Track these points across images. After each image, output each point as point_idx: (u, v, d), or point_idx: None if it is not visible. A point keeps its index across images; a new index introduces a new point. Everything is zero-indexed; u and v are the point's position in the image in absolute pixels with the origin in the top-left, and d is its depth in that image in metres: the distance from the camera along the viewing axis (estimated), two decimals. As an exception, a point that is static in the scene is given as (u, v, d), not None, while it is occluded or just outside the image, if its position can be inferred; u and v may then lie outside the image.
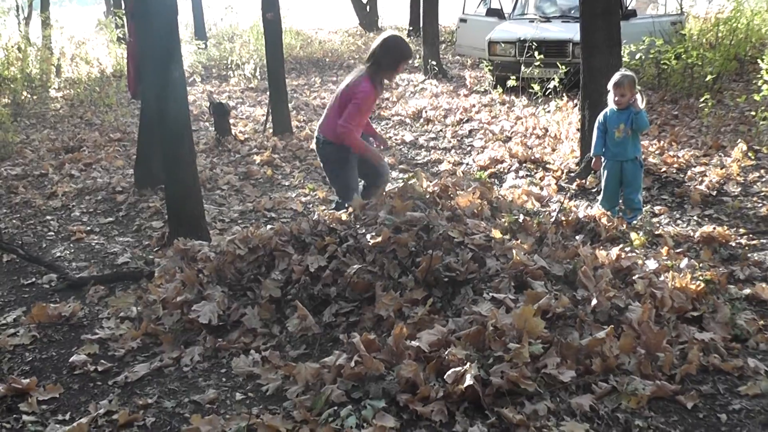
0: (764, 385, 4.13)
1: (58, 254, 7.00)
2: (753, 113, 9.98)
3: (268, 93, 12.85)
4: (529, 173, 9.23)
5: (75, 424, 3.87)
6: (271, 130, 12.32)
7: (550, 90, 12.23)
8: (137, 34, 8.14)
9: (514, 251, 4.88)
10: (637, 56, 13.06)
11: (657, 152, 9.30)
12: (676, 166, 8.76)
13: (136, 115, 11.28)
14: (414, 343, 4.13)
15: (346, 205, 6.12)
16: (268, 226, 5.79)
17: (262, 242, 5.33)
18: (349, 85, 6.49)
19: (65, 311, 5.40)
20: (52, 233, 7.68)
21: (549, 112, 11.84)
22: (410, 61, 7.08)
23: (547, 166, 9.39)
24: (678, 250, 6.21)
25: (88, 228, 7.82)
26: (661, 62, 13.09)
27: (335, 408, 3.82)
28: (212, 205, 8.44)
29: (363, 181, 6.88)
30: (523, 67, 13.32)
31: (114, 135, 12.76)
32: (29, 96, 16.31)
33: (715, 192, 7.90)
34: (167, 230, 6.98)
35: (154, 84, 6.73)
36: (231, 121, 12.37)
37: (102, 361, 4.67)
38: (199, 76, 18.55)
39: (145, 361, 4.66)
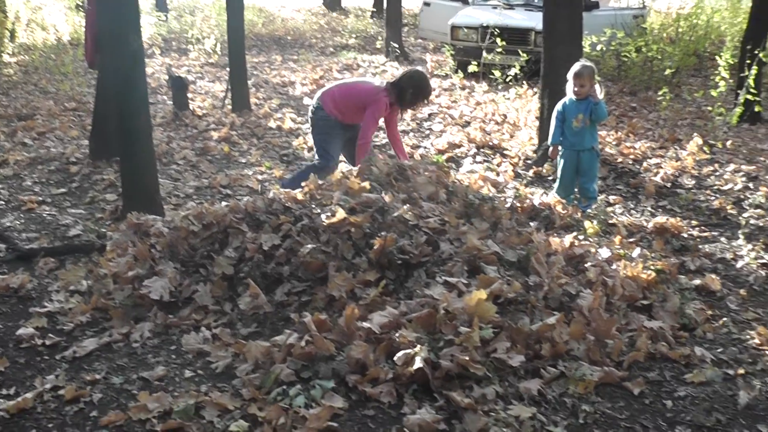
0: (710, 373, 4.21)
1: (8, 224, 6.85)
2: (709, 108, 10.13)
3: (227, 69, 12.71)
4: (486, 159, 9.26)
5: (20, 398, 3.80)
6: (229, 107, 12.21)
7: (510, 77, 12.27)
8: (96, 2, 7.99)
9: (468, 236, 4.90)
10: (598, 47, 13.17)
11: (614, 143, 9.40)
12: (632, 157, 8.86)
13: (93, 85, 11.09)
14: (365, 325, 4.14)
15: (317, 167, 6.71)
16: (223, 203, 5.74)
17: (217, 219, 5.29)
18: (369, 86, 6.99)
19: (13, 283, 5.30)
20: (2, 202, 7.52)
21: (509, 99, 11.90)
22: (427, 100, 7.52)
23: (505, 152, 9.43)
24: (631, 240, 6.28)
25: (40, 198, 7.68)
26: (622, 54, 13.22)
27: (284, 387, 3.81)
28: (167, 180, 8.34)
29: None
30: (484, 53, 13.34)
31: (69, 104, 12.56)
32: (-20, 60, 15.96)
33: (669, 184, 8.00)
34: (121, 203, 6.89)
35: (111, 54, 6.62)
36: (189, 95, 12.23)
37: (50, 335, 4.60)
38: (159, 48, 18.32)
39: (94, 336, 4.59)
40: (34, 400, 3.82)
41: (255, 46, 19.82)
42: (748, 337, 4.78)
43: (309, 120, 7.42)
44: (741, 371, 4.29)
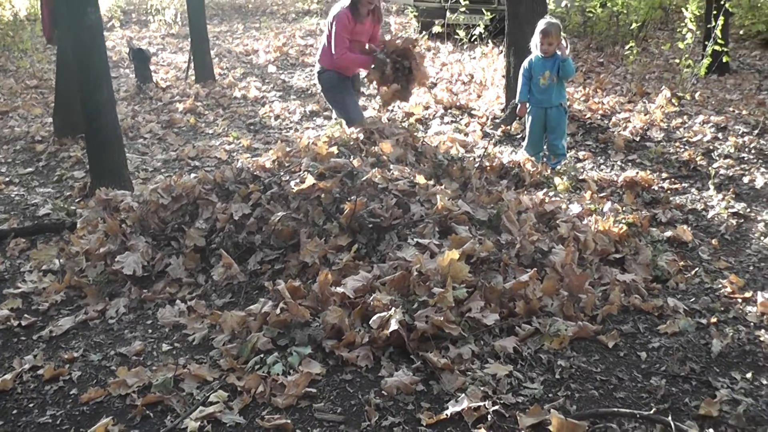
0: (683, 324, 4.26)
1: (-24, 206, 6.80)
2: (677, 61, 10.13)
3: (189, 39, 12.57)
4: (454, 119, 9.23)
5: (-1, 380, 3.80)
6: (193, 78, 12.10)
7: (475, 36, 12.21)
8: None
9: (438, 197, 4.90)
10: (563, 4, 13.10)
11: (582, 99, 9.40)
12: (600, 112, 8.87)
13: (53, 61, 10.93)
14: (339, 290, 4.14)
15: (350, 126, 6.68)
16: (192, 175, 5.70)
17: (186, 191, 5.26)
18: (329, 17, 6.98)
19: (-16, 265, 5.26)
20: (-31, 185, 7.45)
21: (474, 58, 11.85)
22: None
23: (473, 112, 9.40)
24: (601, 195, 6.31)
25: (7, 179, 7.59)
26: (587, 10, 13.16)
27: (261, 355, 3.82)
28: (135, 154, 8.27)
29: None
30: (448, 14, 13.25)
31: (30, 82, 12.38)
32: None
33: (638, 138, 8.02)
34: (89, 180, 6.83)
35: (69, 28, 6.51)
36: (152, 68, 12.09)
37: (25, 315, 4.57)
38: (118, 21, 18.07)
39: (69, 315, 4.58)
40: (13, 381, 3.80)
41: (216, 15, 19.57)
42: (720, 286, 4.83)
43: (318, 86, 7.55)
44: (714, 320, 4.34)
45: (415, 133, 6.15)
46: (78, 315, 4.53)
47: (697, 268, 5.05)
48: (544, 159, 7.06)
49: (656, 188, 6.64)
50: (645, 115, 8.56)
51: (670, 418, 3.19)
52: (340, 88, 7.17)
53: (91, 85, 6.30)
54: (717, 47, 9.81)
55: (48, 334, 4.32)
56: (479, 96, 10.05)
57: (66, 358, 4.02)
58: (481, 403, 3.40)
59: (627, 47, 11.04)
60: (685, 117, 8.56)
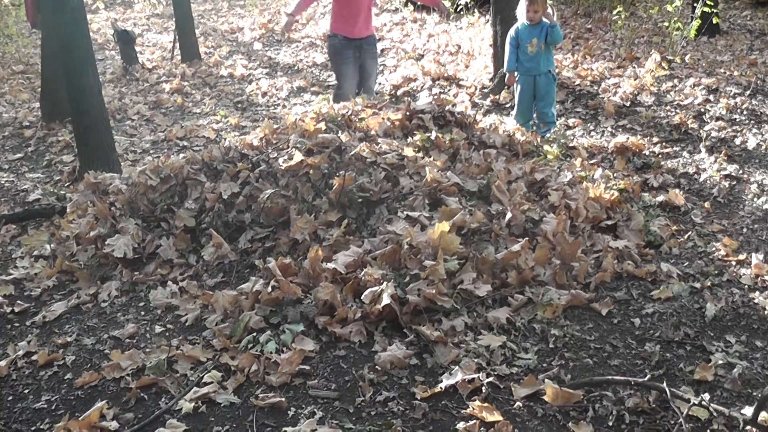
0: (676, 288, 4.26)
1: (-35, 194, 6.76)
2: (666, 24, 10.07)
3: (174, 19, 12.49)
4: (442, 90, 9.19)
5: (-6, 367, 3.79)
6: (179, 57, 12.04)
7: (461, 6, 12.13)
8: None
9: (427, 169, 4.87)
10: (550, -31, 12.99)
11: (571, 66, 9.35)
12: (590, 78, 8.82)
13: (39, 45, 10.86)
14: (330, 266, 4.12)
15: (338, 93, 7.20)
16: (180, 155, 5.67)
17: (174, 171, 5.22)
18: None
19: (-25, 252, 5.24)
20: (-43, 172, 7.41)
21: (461, 28, 11.79)
22: None
23: (461, 82, 9.36)
24: (592, 161, 6.29)
25: (-4, 165, 7.57)
26: (574, -25, 13.08)
27: (254, 334, 3.80)
28: (123, 137, 8.23)
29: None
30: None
31: (17, 67, 12.29)
32: None
33: (629, 103, 7.99)
34: (78, 164, 6.79)
35: (51, 11, 6.44)
36: (137, 49, 12.05)
37: (18, 301, 4.56)
38: (102, 2, 17.88)
39: (62, 299, 4.56)
40: (8, 368, 3.79)
41: (200, -7, 19.45)
42: (713, 249, 4.83)
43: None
44: (707, 284, 4.35)
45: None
46: (70, 299, 4.51)
47: (690, 232, 5.05)
48: (534, 127, 7.02)
49: (647, 153, 6.62)
50: (635, 79, 8.52)
51: (665, 384, 3.19)
52: (342, 56, 7.34)
53: (75, 68, 6.24)
54: (706, 8, 9.75)
55: (41, 320, 4.31)
56: (467, 66, 10.00)
57: (60, 343, 4.01)
58: (476, 375, 3.40)
59: (615, 12, 10.96)
60: (675, 80, 8.52)
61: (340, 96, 7.04)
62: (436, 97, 6.19)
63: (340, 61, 7.38)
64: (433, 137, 5.48)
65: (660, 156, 6.54)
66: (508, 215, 4.63)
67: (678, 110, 7.65)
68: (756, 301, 4.15)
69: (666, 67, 8.86)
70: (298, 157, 4.97)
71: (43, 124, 8.67)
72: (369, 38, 7.43)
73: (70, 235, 5.12)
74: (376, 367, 3.55)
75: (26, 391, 3.62)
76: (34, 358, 3.87)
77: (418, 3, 7.37)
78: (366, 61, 7.42)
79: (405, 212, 4.58)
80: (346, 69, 7.37)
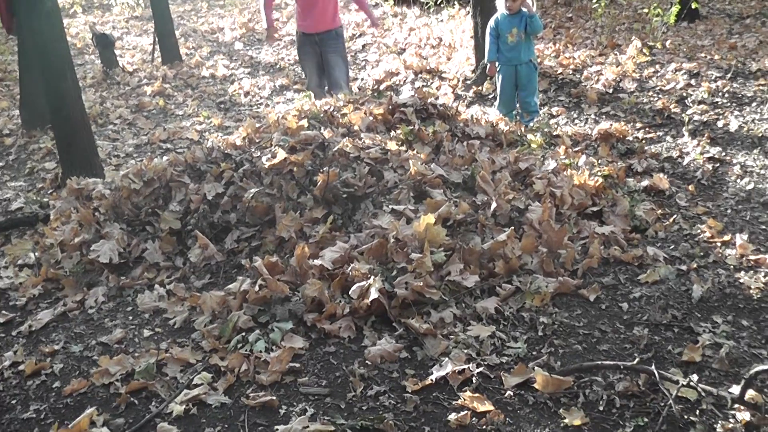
0: (663, 271, 4.27)
1: (-53, 204, 6.71)
2: (646, 10, 10.10)
3: (153, 21, 12.44)
4: (425, 83, 9.18)
5: (-20, 378, 3.75)
6: (159, 60, 12.01)
7: (441, -1, 12.15)
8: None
9: (411, 162, 4.86)
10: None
11: (553, 55, 9.36)
12: (572, 67, 8.84)
13: (15, 52, 10.80)
14: (317, 262, 4.11)
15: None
16: (164, 158, 5.64)
17: (157, 174, 5.19)
18: None
19: (-41, 263, 5.19)
20: (-60, 183, 7.35)
21: (442, 21, 11.79)
22: None
23: (443, 75, 9.37)
24: (576, 149, 6.31)
25: (-23, 175, 7.51)
26: (552, -36, 13.08)
27: (243, 334, 3.79)
28: (105, 141, 8.19)
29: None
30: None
31: (-6, 75, 12.24)
32: None
33: (611, 90, 8.01)
34: (60, 171, 6.75)
35: (26, 16, 6.36)
36: (117, 52, 11.99)
37: (3, 311, 4.51)
38: (80, 6, 17.83)
39: (48, 308, 4.51)
40: (-5, 379, 3.76)
41: (179, -6, 19.40)
42: (698, 231, 4.85)
43: None
44: (694, 266, 4.36)
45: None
46: (57, 307, 4.47)
47: (675, 216, 5.07)
48: (517, 117, 7.03)
49: (631, 139, 6.64)
50: (617, 66, 8.54)
51: (653, 366, 3.19)
52: (301, 51, 7.57)
53: (54, 73, 6.19)
54: (685, -6, 9.79)
55: (27, 329, 4.26)
56: (449, 59, 10.01)
57: (47, 351, 3.97)
58: (466, 366, 3.40)
59: (595, 0, 10.99)
60: (657, 66, 8.54)
61: (315, 93, 7.18)
62: (418, 90, 6.17)
63: (300, 56, 7.67)
64: (416, 130, 5.47)
65: (644, 141, 6.56)
66: (494, 205, 4.62)
67: (660, 95, 7.67)
68: (741, 280, 4.16)
69: (647, 53, 8.89)
70: (281, 155, 4.95)
71: (24, 132, 8.62)
72: (329, 32, 7.42)
73: (54, 243, 5.07)
74: (366, 361, 3.54)
75: (14, 402, 3.58)
76: (21, 368, 3.82)
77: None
78: (327, 56, 7.44)
79: (390, 206, 4.57)
80: (306, 64, 7.58)
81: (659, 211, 5.11)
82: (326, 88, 7.46)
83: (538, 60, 7.54)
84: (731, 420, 3.06)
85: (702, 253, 4.53)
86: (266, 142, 5.28)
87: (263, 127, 5.54)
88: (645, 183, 5.59)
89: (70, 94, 6.25)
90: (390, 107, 5.85)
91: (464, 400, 3.20)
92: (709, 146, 6.26)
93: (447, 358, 3.46)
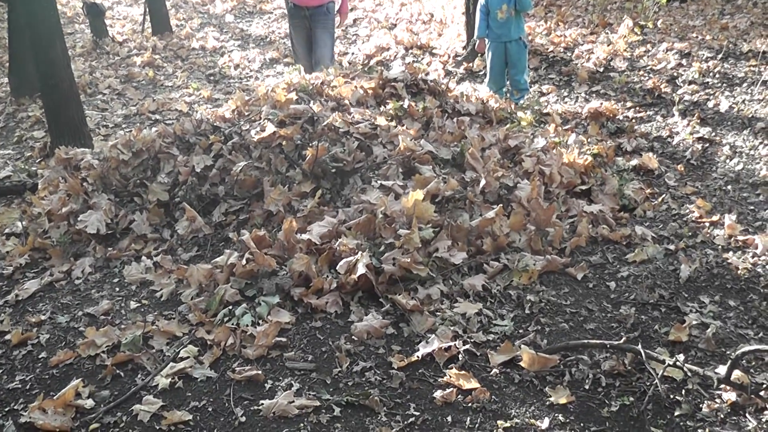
0: (651, 251, 4.28)
1: (-66, 173, 6.66)
2: (638, -12, 10.09)
3: (144, -9, 12.35)
4: (415, 59, 9.15)
5: (-35, 348, 3.74)
6: (150, 30, 11.92)
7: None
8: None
9: (400, 137, 4.85)
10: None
11: (544, 33, 9.33)
12: (563, 45, 8.81)
13: (5, 19, 10.70)
14: (305, 237, 4.09)
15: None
16: (153, 129, 5.60)
17: (146, 145, 5.16)
18: None
19: (-55, 232, 5.16)
20: (-74, 151, 7.29)
21: (434, -4, 11.74)
22: None
23: (434, 51, 9.34)
24: (566, 127, 6.30)
25: (-36, 143, 7.46)
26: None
27: (230, 307, 3.78)
28: (94, 111, 8.15)
29: None
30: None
31: (-17, 42, 12.13)
32: None
33: (602, 68, 7.99)
34: (49, 140, 6.71)
35: (15, -17, 6.34)
36: (107, 22, 11.90)
37: (-11, 281, 4.50)
38: (71, -25, 17.67)
39: (35, 277, 4.50)
40: (-20, 349, 3.75)
41: (171, -36, 19.21)
42: (687, 211, 4.86)
43: None
44: (682, 245, 4.37)
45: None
46: (43, 277, 4.46)
47: (664, 195, 5.08)
48: (507, 95, 7.01)
49: (621, 118, 6.64)
50: (608, 45, 8.52)
51: (640, 346, 3.20)
52: (291, 24, 7.59)
53: (43, 42, 6.14)
54: (677, -27, 9.76)
55: (14, 299, 4.25)
56: (440, 35, 9.97)
57: (33, 321, 3.96)
58: (452, 343, 3.40)
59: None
60: (648, 45, 8.52)
61: (303, 67, 7.01)
62: (408, 65, 6.14)
63: (290, 29, 7.64)
64: (406, 106, 5.45)
65: (633, 120, 6.56)
66: (483, 182, 4.61)
67: (651, 75, 7.66)
68: (729, 261, 4.18)
69: (638, 33, 8.87)
70: (270, 128, 4.92)
71: (13, 100, 8.56)
72: (320, 8, 7.32)
73: (41, 212, 5.05)
74: (353, 337, 3.54)
75: (0, 372, 3.59)
76: (7, 338, 3.82)
77: None
78: (315, 31, 7.38)
79: (379, 181, 4.56)
80: (295, 37, 7.57)
81: (648, 191, 5.12)
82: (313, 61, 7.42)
83: (529, 38, 7.51)
84: (717, 400, 3.09)
85: (690, 233, 4.54)
86: (255, 115, 5.25)
87: (252, 100, 5.51)
88: (634, 162, 5.59)
89: (59, 62, 6.21)
90: (380, 82, 5.82)
91: (450, 377, 3.21)
92: (699, 126, 6.26)
93: (433, 335, 3.47)
